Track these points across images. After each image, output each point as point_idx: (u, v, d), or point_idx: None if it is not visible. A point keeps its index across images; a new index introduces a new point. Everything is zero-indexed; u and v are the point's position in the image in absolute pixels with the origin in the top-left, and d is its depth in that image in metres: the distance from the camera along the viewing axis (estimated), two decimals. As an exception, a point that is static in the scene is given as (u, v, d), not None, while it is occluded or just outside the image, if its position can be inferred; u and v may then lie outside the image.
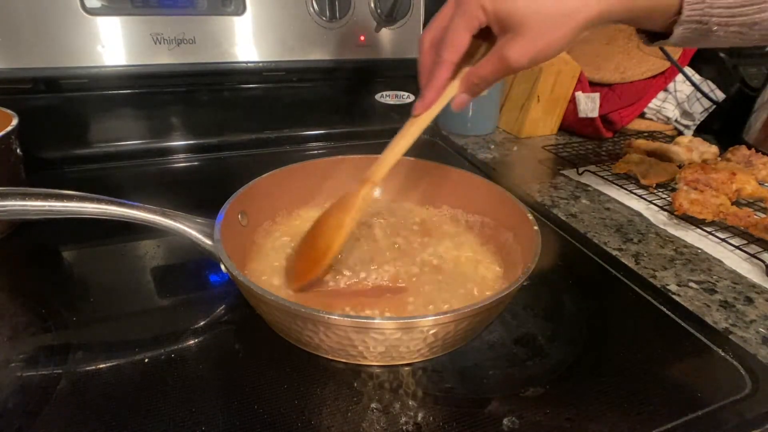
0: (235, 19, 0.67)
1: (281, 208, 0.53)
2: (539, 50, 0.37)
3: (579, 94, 0.85)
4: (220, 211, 0.42)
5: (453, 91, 0.42)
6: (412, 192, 0.57)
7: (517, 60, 0.38)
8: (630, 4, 0.38)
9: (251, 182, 0.48)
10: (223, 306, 0.43)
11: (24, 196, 0.38)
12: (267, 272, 0.45)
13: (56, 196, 0.38)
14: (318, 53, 0.72)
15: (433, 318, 0.33)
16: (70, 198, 0.38)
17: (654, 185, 0.67)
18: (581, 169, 0.72)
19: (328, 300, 0.42)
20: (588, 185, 0.70)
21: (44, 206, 0.38)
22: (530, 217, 0.44)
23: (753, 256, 0.53)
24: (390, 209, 0.55)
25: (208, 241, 0.40)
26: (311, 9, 0.69)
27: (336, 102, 0.81)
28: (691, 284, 0.49)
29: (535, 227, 0.43)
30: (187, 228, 0.40)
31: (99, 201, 0.39)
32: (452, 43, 0.39)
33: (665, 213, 0.62)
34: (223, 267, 0.38)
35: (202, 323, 0.41)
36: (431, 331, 0.34)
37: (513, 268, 0.44)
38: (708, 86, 0.88)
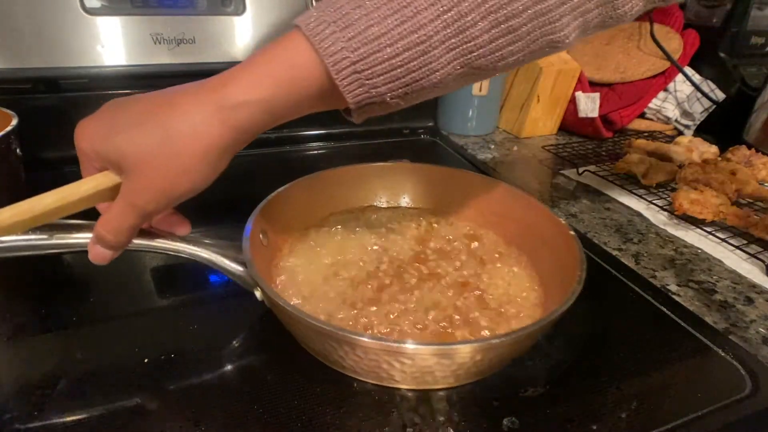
0: (235, 19, 0.67)
1: (300, 223, 0.49)
2: (158, 191, 0.31)
3: (579, 94, 0.85)
4: (244, 235, 0.39)
5: None
6: (439, 203, 0.54)
7: (134, 203, 0.32)
8: (270, 110, 0.30)
9: (268, 198, 0.45)
10: (224, 306, 0.43)
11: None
12: (293, 289, 0.43)
13: (63, 228, 0.35)
14: (318, 53, 0.72)
15: (474, 344, 0.32)
16: (79, 228, 0.35)
17: (654, 185, 0.67)
18: (581, 169, 0.72)
19: (360, 323, 0.39)
20: (588, 185, 0.70)
21: (49, 242, 0.35)
22: (563, 221, 0.44)
23: (753, 256, 0.53)
24: (413, 219, 0.52)
25: (240, 267, 0.38)
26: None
27: (336, 102, 0.80)
28: (691, 284, 0.49)
29: (571, 232, 0.42)
30: (214, 255, 0.38)
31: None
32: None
33: (665, 213, 0.62)
34: (258, 294, 0.37)
35: (202, 323, 0.41)
36: (476, 357, 0.32)
37: (551, 279, 0.43)
38: (708, 86, 0.88)
